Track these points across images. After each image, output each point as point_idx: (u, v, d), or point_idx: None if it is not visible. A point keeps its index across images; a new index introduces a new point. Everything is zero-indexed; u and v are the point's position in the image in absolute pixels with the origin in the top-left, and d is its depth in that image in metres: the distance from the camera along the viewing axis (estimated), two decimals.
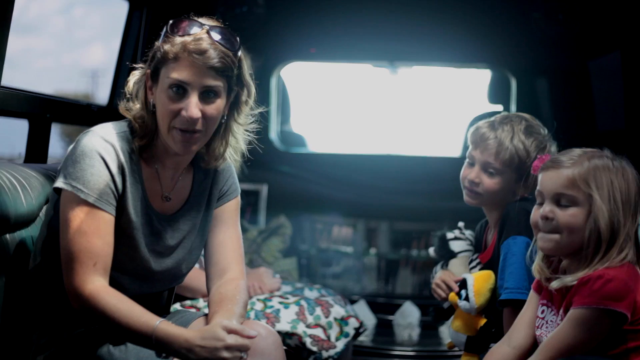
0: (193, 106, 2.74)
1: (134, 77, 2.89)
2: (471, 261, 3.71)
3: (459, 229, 3.87)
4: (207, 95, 2.78)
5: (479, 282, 3.41)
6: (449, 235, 3.84)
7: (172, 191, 2.96)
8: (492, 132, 3.49)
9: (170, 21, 2.80)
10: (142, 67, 2.89)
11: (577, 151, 2.80)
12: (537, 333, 2.84)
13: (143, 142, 2.85)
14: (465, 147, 6.13)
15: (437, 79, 7.15)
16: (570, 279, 2.70)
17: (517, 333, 2.93)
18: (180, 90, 2.75)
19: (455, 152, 6.42)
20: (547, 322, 2.80)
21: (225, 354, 2.63)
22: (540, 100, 5.92)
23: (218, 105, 2.81)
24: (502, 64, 6.00)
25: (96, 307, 2.69)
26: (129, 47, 4.91)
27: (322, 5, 5.70)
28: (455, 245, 3.80)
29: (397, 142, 7.26)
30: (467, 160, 3.65)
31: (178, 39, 2.75)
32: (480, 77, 6.42)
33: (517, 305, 3.09)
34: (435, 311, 3.89)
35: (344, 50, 6.07)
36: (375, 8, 5.73)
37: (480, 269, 3.61)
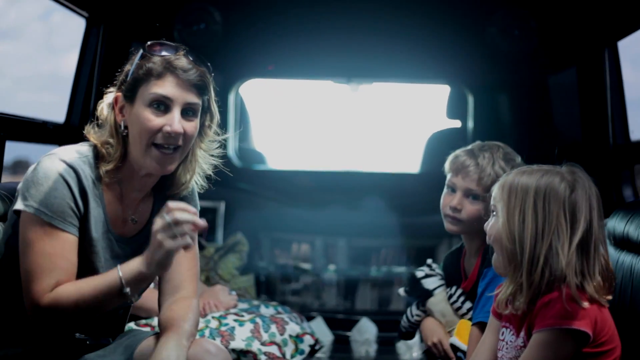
0: (177, 121, 2.77)
1: (107, 100, 2.89)
2: (451, 296, 3.71)
3: (428, 265, 3.88)
4: (186, 113, 2.82)
5: (465, 337, 3.42)
6: (419, 273, 3.84)
7: (135, 214, 2.95)
8: (472, 159, 3.57)
9: (148, 43, 2.83)
10: (111, 92, 2.89)
11: (527, 167, 2.83)
12: (499, 355, 2.84)
13: (109, 167, 2.84)
14: (424, 163, 6.21)
15: (396, 95, 7.18)
16: (502, 296, 2.75)
17: (480, 358, 2.94)
18: (162, 106, 2.78)
19: (413, 168, 6.43)
20: (506, 343, 2.81)
21: (159, 236, 2.61)
22: (498, 115, 5.95)
23: (196, 124, 2.86)
24: (459, 80, 6.03)
25: (61, 304, 2.70)
26: (86, 63, 4.88)
27: (281, 22, 5.70)
28: (428, 283, 3.81)
29: (355, 158, 7.27)
30: (446, 188, 3.68)
31: (159, 58, 2.80)
32: (439, 93, 6.44)
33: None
34: (399, 333, 3.96)
35: (302, 67, 6.08)
36: (333, 25, 5.73)
37: (464, 299, 3.63)
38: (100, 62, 4.88)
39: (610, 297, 2.70)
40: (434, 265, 3.86)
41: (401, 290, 3.95)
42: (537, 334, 2.63)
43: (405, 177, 6.38)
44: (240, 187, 5.93)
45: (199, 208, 3.12)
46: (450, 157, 3.73)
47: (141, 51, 2.84)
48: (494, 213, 2.80)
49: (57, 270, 2.71)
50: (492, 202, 2.81)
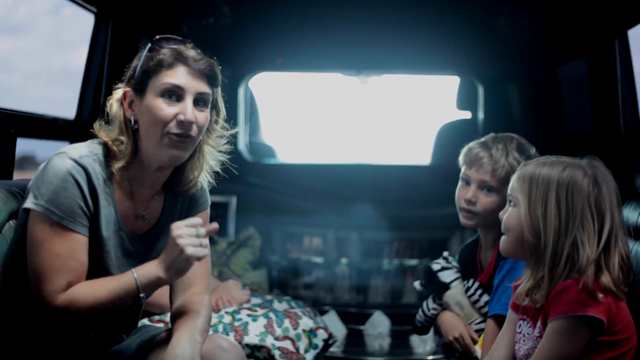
0: (190, 110, 2.78)
1: (115, 96, 2.88)
2: (468, 288, 3.70)
3: (444, 258, 3.87)
4: (198, 103, 2.82)
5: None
6: (435, 266, 3.83)
7: (146, 210, 2.95)
8: (485, 151, 3.57)
9: (156, 37, 2.84)
10: (119, 88, 2.89)
11: (547, 158, 2.82)
12: (516, 347, 2.84)
13: (120, 164, 2.83)
14: (435, 155, 6.20)
15: (406, 87, 7.16)
16: (522, 288, 2.74)
17: (497, 352, 2.94)
18: (174, 96, 2.79)
19: (424, 159, 6.42)
20: (523, 335, 2.81)
21: (182, 242, 2.70)
22: (508, 106, 5.93)
23: (207, 115, 2.86)
24: (468, 71, 6.01)
25: (76, 305, 2.72)
26: (95, 59, 4.88)
27: (289, 15, 5.69)
28: (444, 276, 3.79)
29: (366, 150, 7.27)
30: (461, 181, 3.68)
31: (168, 50, 2.81)
32: (450, 84, 6.43)
33: (502, 321, 3.09)
34: (413, 328, 3.96)
35: (311, 60, 6.07)
36: (342, 17, 5.72)
37: (482, 292, 3.63)
38: (109, 57, 4.88)
39: (626, 289, 2.69)
40: (450, 258, 3.85)
41: (417, 284, 3.93)
42: (552, 323, 2.63)
43: (416, 169, 6.37)
44: (252, 181, 5.92)
45: (209, 204, 3.13)
46: (463, 150, 3.72)
47: (149, 44, 2.84)
48: (512, 203, 2.79)
49: (67, 271, 2.72)
50: (510, 192, 2.80)
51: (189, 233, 2.72)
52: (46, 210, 2.70)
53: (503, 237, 2.82)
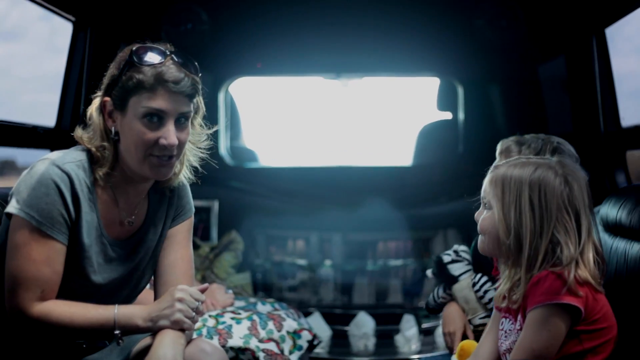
0: (172, 134, 2.76)
1: (95, 104, 2.87)
2: (474, 284, 3.73)
3: (455, 251, 3.90)
4: (179, 121, 2.80)
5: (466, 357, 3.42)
6: (446, 258, 3.85)
7: (132, 216, 2.95)
8: (518, 145, 3.60)
9: (133, 48, 2.80)
10: (97, 96, 2.87)
11: (516, 159, 2.83)
12: (499, 344, 2.86)
13: (104, 170, 2.83)
14: (416, 156, 6.23)
15: (386, 89, 7.17)
16: (501, 290, 2.77)
17: (483, 349, 2.96)
18: (155, 118, 2.76)
19: (406, 161, 6.44)
20: (505, 332, 2.82)
21: (179, 306, 2.76)
22: (488, 106, 5.96)
23: (188, 130, 2.86)
24: (448, 72, 6.04)
25: (50, 321, 2.72)
26: (75, 67, 4.88)
27: (268, 19, 5.70)
28: (454, 269, 3.82)
29: (348, 153, 7.27)
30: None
31: (148, 69, 2.75)
32: (430, 85, 6.45)
33: None
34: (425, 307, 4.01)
35: (291, 64, 6.08)
36: (321, 21, 5.74)
37: (488, 288, 3.65)
38: (88, 65, 4.88)
39: (601, 281, 2.72)
40: (461, 249, 3.87)
41: (429, 272, 3.97)
42: (530, 313, 2.64)
43: (397, 170, 6.39)
44: (234, 185, 5.93)
45: (193, 211, 3.12)
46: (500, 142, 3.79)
47: (127, 58, 2.79)
48: (486, 206, 2.81)
49: (41, 279, 2.71)
50: (483, 195, 2.82)
51: (189, 302, 2.79)
52: (26, 215, 2.70)
53: (480, 238, 2.84)
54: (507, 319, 2.82)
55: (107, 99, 2.82)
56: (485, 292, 3.68)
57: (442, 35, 5.75)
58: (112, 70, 2.84)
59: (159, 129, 2.76)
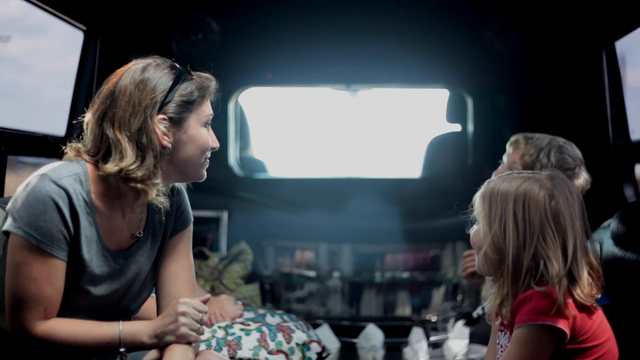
0: (214, 136, 2.93)
1: (157, 128, 2.79)
2: None
3: None
4: None
5: None
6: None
7: (132, 227, 2.94)
8: (528, 139, 3.80)
9: (171, 64, 2.86)
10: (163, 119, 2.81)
11: (508, 173, 2.84)
12: (496, 358, 2.87)
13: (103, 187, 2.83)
14: (425, 168, 6.23)
15: (395, 100, 7.18)
16: (492, 306, 2.76)
17: None
18: (208, 125, 2.90)
19: (415, 173, 6.43)
20: (501, 346, 2.83)
21: (183, 320, 2.77)
22: (497, 118, 5.95)
23: None
24: (457, 84, 6.03)
25: (54, 340, 2.72)
26: (85, 76, 4.90)
27: (278, 30, 5.72)
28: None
29: (357, 164, 7.28)
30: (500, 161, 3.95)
31: (199, 79, 2.87)
32: (439, 97, 6.45)
33: None
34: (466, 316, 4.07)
35: (300, 75, 6.09)
36: (331, 31, 5.75)
37: None
38: (99, 74, 4.89)
39: (598, 295, 2.70)
40: None
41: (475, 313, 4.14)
42: (515, 331, 2.65)
43: (406, 182, 6.39)
44: (243, 196, 5.92)
45: (192, 219, 3.11)
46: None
47: (181, 77, 2.83)
48: (476, 221, 2.81)
49: (43, 297, 2.71)
50: (474, 212, 2.82)
51: (192, 315, 2.79)
52: (25, 233, 2.67)
53: (475, 257, 2.84)
54: (503, 333, 2.83)
55: (163, 116, 2.79)
56: None
57: (451, 47, 5.76)
58: (158, 92, 2.80)
59: (208, 133, 2.90)
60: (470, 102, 6.00)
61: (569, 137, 4.03)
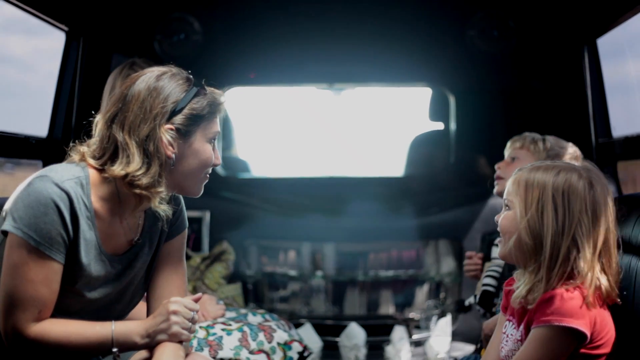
0: (218, 153, 2.92)
1: (163, 136, 2.79)
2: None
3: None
4: None
5: None
6: (497, 240, 3.93)
7: (129, 232, 2.93)
8: (534, 137, 4.04)
9: (188, 76, 2.87)
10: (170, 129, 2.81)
11: (541, 162, 2.85)
12: (500, 347, 2.87)
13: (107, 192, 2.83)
14: (408, 166, 6.23)
15: (378, 99, 7.19)
16: (519, 293, 2.74)
17: (489, 354, 2.97)
18: (214, 141, 2.89)
19: (398, 171, 6.44)
20: (507, 336, 2.83)
21: (174, 318, 2.78)
22: (480, 116, 5.96)
23: None
24: (440, 82, 6.04)
25: (47, 342, 2.72)
26: (67, 77, 4.88)
27: (261, 29, 5.71)
28: (495, 252, 3.99)
29: (340, 163, 7.28)
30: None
31: (212, 95, 2.87)
32: (422, 96, 6.45)
33: None
34: (458, 303, 4.12)
35: (284, 74, 6.08)
36: (314, 31, 5.75)
37: None
38: (81, 75, 4.88)
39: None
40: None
41: (468, 302, 4.21)
42: (535, 330, 2.65)
43: (389, 181, 6.40)
44: (225, 195, 5.91)
45: (187, 224, 3.11)
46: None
47: (195, 91, 2.83)
48: (507, 207, 2.81)
49: (39, 299, 2.70)
50: (505, 196, 2.82)
51: (184, 313, 2.80)
52: (24, 234, 2.67)
53: (501, 242, 2.84)
54: (511, 323, 2.83)
55: (171, 126, 2.79)
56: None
57: (434, 45, 5.77)
58: (170, 100, 2.80)
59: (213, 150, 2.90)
60: (452, 100, 6.00)
61: (551, 134, 4.07)
